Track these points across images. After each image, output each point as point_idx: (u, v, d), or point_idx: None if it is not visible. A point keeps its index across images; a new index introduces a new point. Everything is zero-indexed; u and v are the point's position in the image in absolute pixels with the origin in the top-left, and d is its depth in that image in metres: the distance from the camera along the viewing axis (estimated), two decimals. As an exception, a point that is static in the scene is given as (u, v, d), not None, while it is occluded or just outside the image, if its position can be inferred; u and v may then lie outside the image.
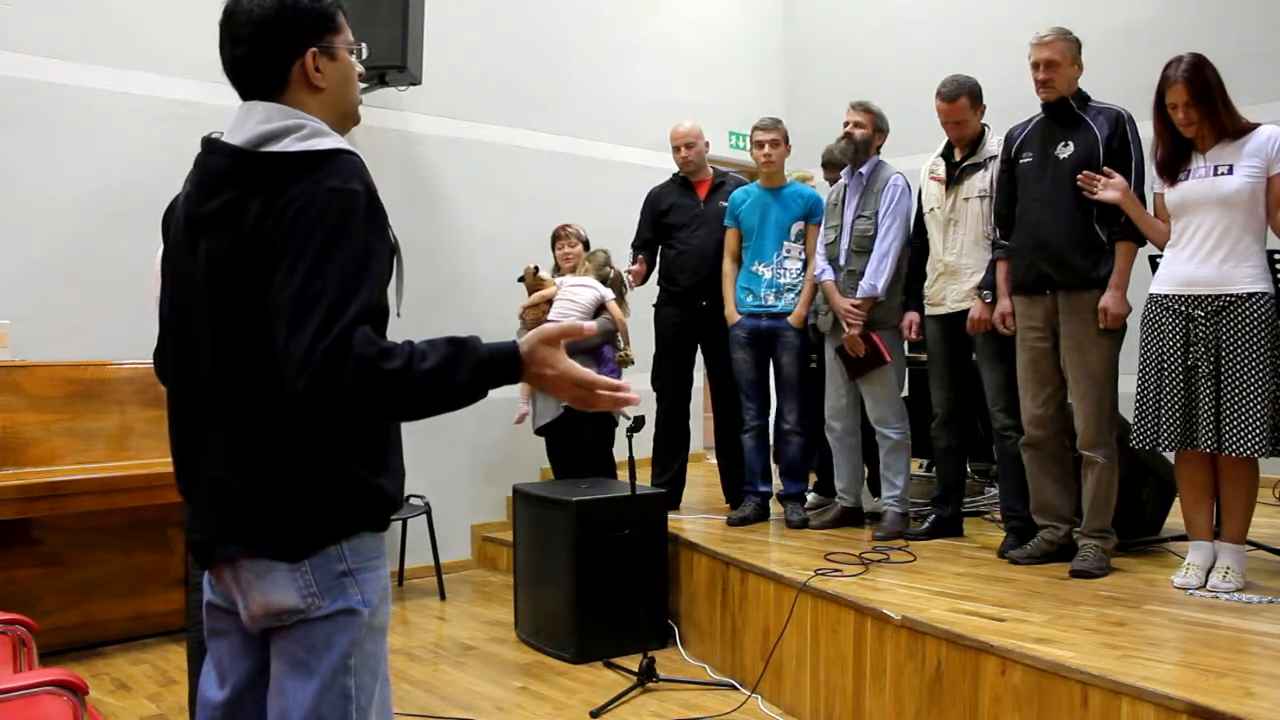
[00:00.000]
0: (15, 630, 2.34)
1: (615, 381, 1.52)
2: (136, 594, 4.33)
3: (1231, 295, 3.16)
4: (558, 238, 5.12)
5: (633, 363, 4.91)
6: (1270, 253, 3.23)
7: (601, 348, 4.81)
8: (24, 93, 4.36)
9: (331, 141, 1.48)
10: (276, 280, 1.40)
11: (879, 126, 4.32)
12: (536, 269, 4.96)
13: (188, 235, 1.54)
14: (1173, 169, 3.30)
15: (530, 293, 4.95)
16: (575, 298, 4.80)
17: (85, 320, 4.44)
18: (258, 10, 1.51)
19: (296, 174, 1.43)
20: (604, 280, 4.91)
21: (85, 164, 4.51)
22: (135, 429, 4.33)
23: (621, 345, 4.88)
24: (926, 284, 4.14)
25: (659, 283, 4.97)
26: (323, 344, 1.33)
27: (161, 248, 1.66)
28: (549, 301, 4.85)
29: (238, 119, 1.52)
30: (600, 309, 4.82)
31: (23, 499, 3.77)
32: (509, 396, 4.97)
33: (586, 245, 5.09)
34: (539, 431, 4.95)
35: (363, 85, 1.69)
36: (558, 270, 5.11)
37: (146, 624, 4.36)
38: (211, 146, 1.54)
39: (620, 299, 4.93)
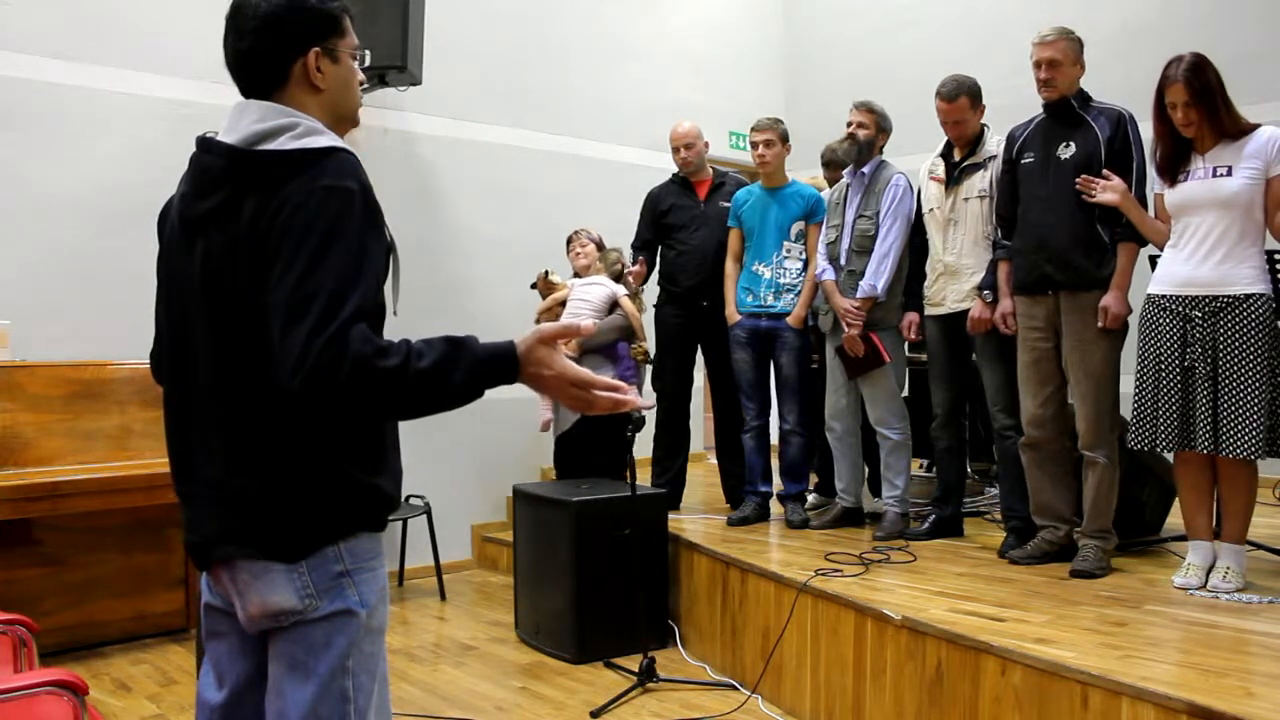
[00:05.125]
0: (15, 630, 2.34)
1: (613, 382, 1.51)
2: (136, 594, 4.33)
3: (1229, 296, 3.15)
4: (570, 242, 5.05)
5: (650, 359, 4.88)
6: (1269, 254, 3.23)
7: (616, 344, 4.79)
8: (24, 93, 4.36)
9: (326, 139, 1.48)
10: (272, 279, 1.39)
11: (882, 127, 4.31)
12: (548, 273, 4.94)
13: (183, 235, 1.54)
14: (1172, 169, 3.30)
15: (544, 297, 4.94)
16: (587, 296, 4.79)
17: (85, 320, 4.43)
18: (265, 5, 1.52)
19: (291, 172, 1.43)
20: (616, 278, 4.89)
21: (85, 164, 4.51)
22: (135, 429, 4.33)
23: (635, 340, 4.86)
24: (926, 284, 4.14)
25: (659, 283, 4.96)
26: (319, 341, 1.33)
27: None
28: (563, 304, 4.83)
29: (232, 117, 1.52)
30: (613, 306, 4.79)
31: (23, 499, 3.77)
32: (510, 396, 4.93)
33: (600, 246, 5.04)
34: (561, 438, 4.91)
35: (363, 86, 1.69)
36: (577, 276, 5.08)
37: (146, 624, 4.36)
38: (206, 146, 1.53)
39: (634, 295, 4.91)
